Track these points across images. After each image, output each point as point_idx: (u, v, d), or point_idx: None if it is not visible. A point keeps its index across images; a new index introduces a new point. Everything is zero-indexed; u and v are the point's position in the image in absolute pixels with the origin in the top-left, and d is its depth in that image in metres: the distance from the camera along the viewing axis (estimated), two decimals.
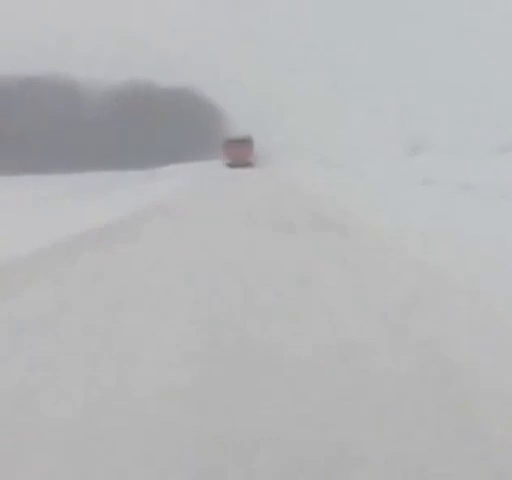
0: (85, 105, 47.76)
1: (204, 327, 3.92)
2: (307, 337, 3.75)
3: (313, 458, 2.29)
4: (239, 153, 34.16)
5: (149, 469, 2.24)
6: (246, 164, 33.47)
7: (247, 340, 3.68)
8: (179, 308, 4.36)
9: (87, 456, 2.33)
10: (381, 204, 11.67)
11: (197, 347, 3.58)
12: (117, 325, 4.01)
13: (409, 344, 3.58)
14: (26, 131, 43.27)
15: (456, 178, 14.35)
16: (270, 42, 53.78)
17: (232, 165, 33.64)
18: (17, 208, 10.96)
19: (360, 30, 48.44)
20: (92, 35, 51.00)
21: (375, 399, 2.80)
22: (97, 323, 4.06)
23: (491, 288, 4.72)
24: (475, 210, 9.95)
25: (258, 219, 9.52)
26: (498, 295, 4.55)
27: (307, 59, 49.11)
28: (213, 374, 3.17)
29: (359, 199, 12.56)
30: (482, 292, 4.65)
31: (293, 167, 28.67)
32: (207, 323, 3.99)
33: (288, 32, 55.15)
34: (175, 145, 44.39)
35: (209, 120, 50.00)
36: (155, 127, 46.91)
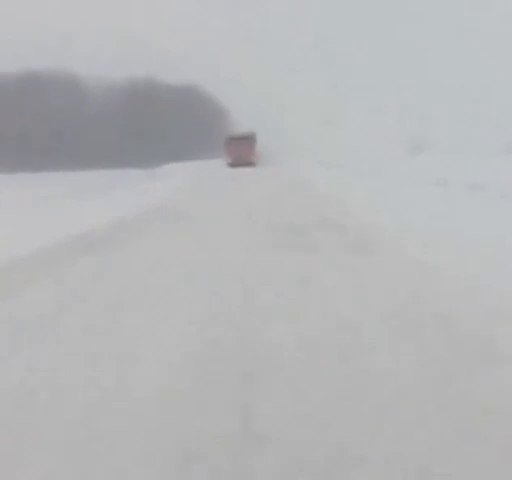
0: (88, 102, 47.55)
1: (204, 327, 3.92)
2: (307, 337, 3.75)
3: (313, 458, 2.28)
4: (241, 151, 32.79)
5: (149, 469, 2.24)
6: (248, 163, 32.13)
7: (247, 340, 3.68)
8: (179, 308, 4.37)
9: (87, 456, 2.33)
10: (383, 203, 11.57)
11: (197, 347, 3.58)
12: (117, 325, 4.01)
13: (409, 344, 3.58)
14: (27, 128, 43.09)
15: (464, 178, 14.19)
16: (270, 42, 53.80)
17: (233, 164, 32.42)
18: (17, 207, 10.87)
19: (360, 30, 48.46)
20: (92, 35, 51.02)
21: (375, 399, 2.80)
22: (97, 323, 4.05)
23: (492, 287, 4.72)
24: (483, 210, 9.90)
25: (258, 220, 9.48)
26: (499, 294, 4.55)
27: (307, 59, 49.12)
28: (213, 374, 3.17)
29: (361, 199, 12.48)
30: (483, 291, 4.65)
31: (295, 167, 28.19)
32: (207, 323, 3.99)
33: (288, 32, 55.19)
34: (179, 142, 44.13)
35: (213, 117, 49.62)
36: (158, 124, 46.66)
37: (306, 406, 2.72)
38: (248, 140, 33.61)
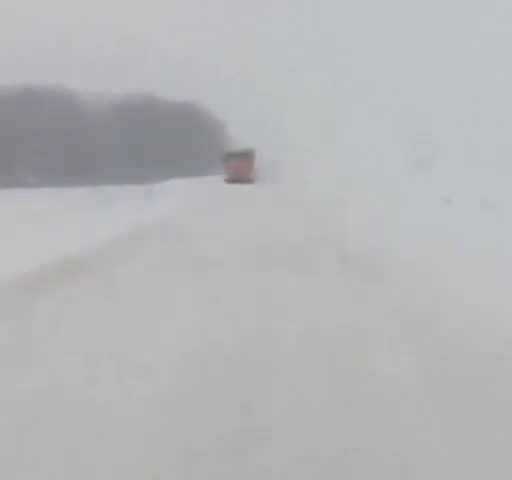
0: (85, 118, 47.41)
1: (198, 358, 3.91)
2: (307, 337, 3.76)
3: (313, 458, 2.29)
4: (239, 168, 31.61)
5: (149, 469, 2.24)
6: (246, 180, 30.66)
7: (247, 340, 3.69)
8: (177, 329, 4.09)
9: (87, 456, 2.33)
10: (383, 222, 10.66)
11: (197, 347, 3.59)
12: (115, 341, 4.02)
13: (409, 344, 3.58)
14: (23, 143, 42.89)
15: (474, 195, 13.16)
16: (270, 42, 53.80)
17: (231, 181, 30.95)
18: (14, 224, 10.24)
19: (360, 30, 48.46)
20: (92, 35, 51.02)
21: (375, 399, 2.80)
22: (96, 342, 4.06)
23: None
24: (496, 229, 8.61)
25: (256, 241, 8.51)
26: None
27: (307, 59, 49.10)
28: (213, 374, 3.18)
29: (361, 219, 11.44)
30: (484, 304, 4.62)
31: (294, 184, 26.16)
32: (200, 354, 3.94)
33: (288, 32, 55.17)
34: (176, 159, 43.89)
35: (210, 133, 49.55)
36: (155, 140, 46.55)
37: (306, 406, 2.73)
38: (246, 156, 32.51)
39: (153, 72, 49.52)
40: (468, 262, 6.52)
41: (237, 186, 27.21)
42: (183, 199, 18.09)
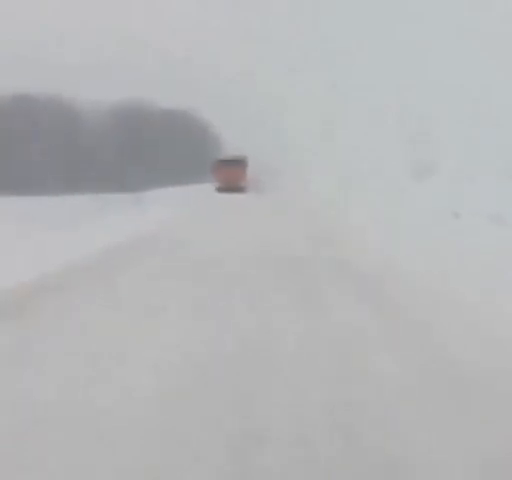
0: (79, 126, 47.23)
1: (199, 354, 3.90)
2: (306, 337, 3.76)
3: (313, 458, 2.28)
4: (230, 176, 29.77)
5: (149, 469, 2.24)
6: (238, 189, 28.95)
7: (247, 340, 3.69)
8: (173, 335, 4.01)
9: (87, 456, 2.33)
10: (380, 232, 10.32)
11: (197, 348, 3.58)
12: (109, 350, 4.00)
13: (409, 344, 3.58)
14: (17, 151, 42.73)
15: (474, 195, 12.92)
16: (270, 42, 53.78)
17: (222, 189, 29.14)
18: (3, 234, 9.84)
19: (360, 30, 48.44)
20: (92, 35, 51.02)
21: (375, 399, 2.80)
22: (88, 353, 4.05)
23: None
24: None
25: (248, 251, 8.18)
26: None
27: (307, 59, 49.09)
28: (213, 374, 3.18)
29: (357, 232, 10.92)
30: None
31: (288, 194, 24.89)
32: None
33: (288, 32, 55.14)
34: (168, 166, 43.53)
35: (203, 142, 49.24)
36: (148, 148, 46.37)
37: (306, 406, 2.72)
38: (238, 163, 30.55)
39: (153, 72, 49.53)
40: (468, 262, 6.52)
41: (226, 195, 25.70)
42: (179, 207, 17.77)
